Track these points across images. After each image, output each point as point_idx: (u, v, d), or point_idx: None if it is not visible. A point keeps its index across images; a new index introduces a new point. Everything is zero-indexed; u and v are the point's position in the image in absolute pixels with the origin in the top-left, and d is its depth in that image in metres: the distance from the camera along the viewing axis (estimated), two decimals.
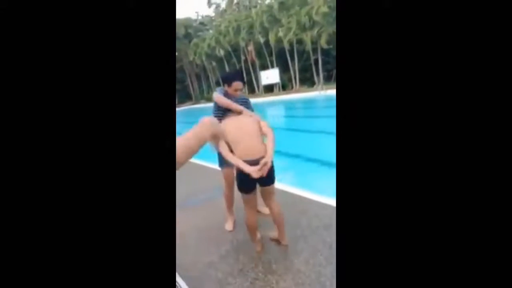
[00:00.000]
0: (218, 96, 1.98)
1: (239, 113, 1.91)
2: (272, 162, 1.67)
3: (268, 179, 1.70)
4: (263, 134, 1.74)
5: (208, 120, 0.80)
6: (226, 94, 2.00)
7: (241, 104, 2.01)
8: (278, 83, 22.30)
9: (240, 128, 1.74)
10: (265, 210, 2.27)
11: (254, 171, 1.57)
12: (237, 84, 1.97)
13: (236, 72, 2.10)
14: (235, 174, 2.23)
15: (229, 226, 2.29)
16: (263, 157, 1.63)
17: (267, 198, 1.82)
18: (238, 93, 2.00)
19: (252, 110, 2.06)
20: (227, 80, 2.00)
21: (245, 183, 1.68)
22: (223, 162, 2.15)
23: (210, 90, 28.54)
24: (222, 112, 2.01)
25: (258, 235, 1.91)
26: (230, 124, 1.76)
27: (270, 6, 21.62)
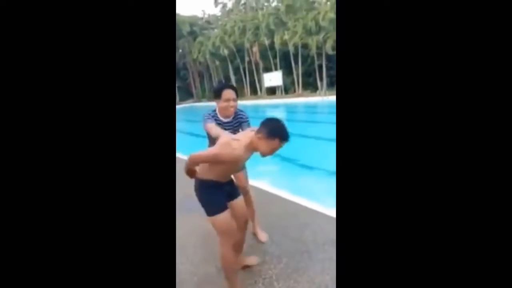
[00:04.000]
0: (208, 125, 1.69)
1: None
2: None
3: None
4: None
5: None
6: (220, 110, 1.78)
7: (239, 120, 1.81)
8: (281, 86, 22.25)
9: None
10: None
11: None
12: (227, 93, 1.72)
13: (224, 83, 1.83)
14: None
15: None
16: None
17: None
18: (231, 104, 1.74)
19: (248, 123, 1.84)
20: (216, 92, 1.77)
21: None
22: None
23: (212, 89, 28.44)
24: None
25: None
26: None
27: (277, 9, 21.63)
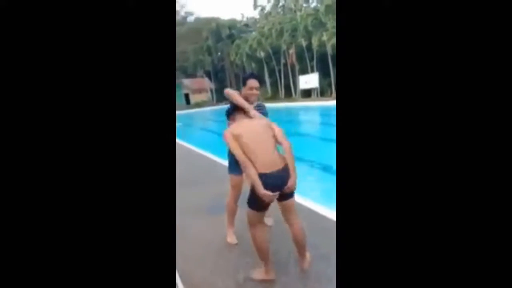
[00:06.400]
0: (228, 90, 1.90)
1: (246, 112, 1.72)
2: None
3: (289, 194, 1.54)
4: (277, 143, 1.52)
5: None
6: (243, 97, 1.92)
7: (258, 109, 1.91)
8: (317, 88, 21.68)
9: (254, 133, 1.52)
10: (267, 220, 2.04)
11: (266, 196, 1.37)
12: (252, 82, 1.91)
13: (251, 72, 2.12)
14: (245, 184, 2.03)
15: (232, 239, 2.15)
16: (281, 168, 1.43)
17: (287, 212, 1.60)
18: (254, 92, 1.93)
19: (266, 116, 1.97)
20: (243, 80, 1.99)
21: (259, 201, 1.44)
22: (234, 167, 2.01)
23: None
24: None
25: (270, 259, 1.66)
26: (242, 127, 1.56)
27: (316, 10, 21.16)
